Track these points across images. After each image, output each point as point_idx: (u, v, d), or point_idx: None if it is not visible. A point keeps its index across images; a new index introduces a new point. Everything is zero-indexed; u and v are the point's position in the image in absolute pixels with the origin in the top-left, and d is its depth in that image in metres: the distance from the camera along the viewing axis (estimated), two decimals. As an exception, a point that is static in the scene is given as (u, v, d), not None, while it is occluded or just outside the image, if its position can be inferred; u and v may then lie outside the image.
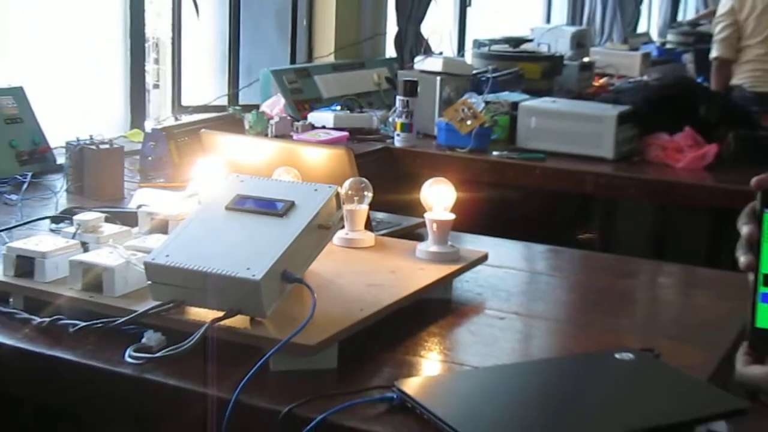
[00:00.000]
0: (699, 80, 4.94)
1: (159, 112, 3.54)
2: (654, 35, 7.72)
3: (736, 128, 3.33)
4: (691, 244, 4.19)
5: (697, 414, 1.27)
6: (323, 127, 3.33)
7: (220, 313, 1.38)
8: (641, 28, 7.75)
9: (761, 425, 1.06)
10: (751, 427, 1.04)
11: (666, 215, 4.80)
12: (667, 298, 1.97)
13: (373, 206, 1.82)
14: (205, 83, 3.81)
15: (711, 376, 1.42)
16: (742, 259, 1.07)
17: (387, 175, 2.98)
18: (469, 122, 3.25)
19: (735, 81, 4.95)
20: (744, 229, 1.07)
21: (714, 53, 4.99)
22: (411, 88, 3.29)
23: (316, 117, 3.41)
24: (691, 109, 3.41)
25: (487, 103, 3.42)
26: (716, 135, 3.28)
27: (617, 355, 1.40)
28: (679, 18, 8.37)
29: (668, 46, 6.70)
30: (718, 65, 4.97)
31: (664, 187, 3.11)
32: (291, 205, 1.49)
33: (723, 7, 4.98)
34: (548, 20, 6.72)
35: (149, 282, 1.43)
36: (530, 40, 5.00)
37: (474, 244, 1.95)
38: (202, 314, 1.39)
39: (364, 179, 1.79)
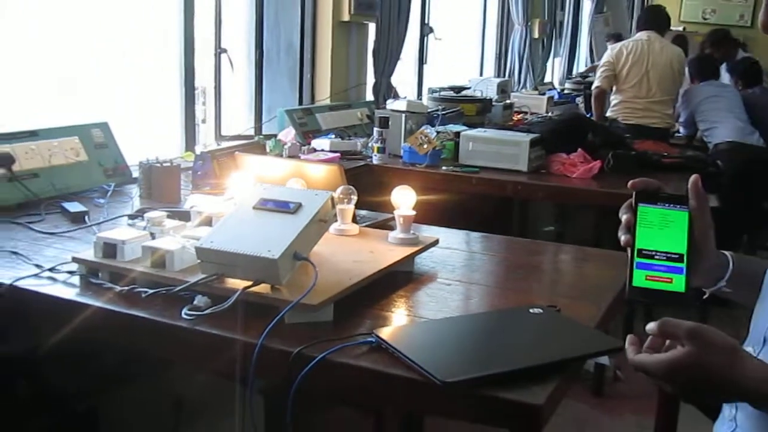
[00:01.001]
0: (588, 115, 4.95)
1: (205, 139, 3.50)
2: (556, 83, 7.71)
3: (614, 149, 3.35)
4: (582, 231, 4.22)
5: (587, 351, 1.28)
6: (322, 150, 3.32)
7: (249, 283, 1.37)
8: (547, 79, 7.74)
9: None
10: (626, 360, 1.04)
11: (564, 211, 4.84)
12: (566, 269, 1.97)
13: (357, 206, 1.82)
14: (238, 119, 3.79)
15: (597, 324, 1.42)
16: (623, 238, 1.10)
17: (367, 183, 2.97)
18: (425, 146, 3.25)
19: (613, 115, 4.96)
20: (624, 217, 1.11)
21: (596, 83, 4.97)
22: (384, 122, 3.29)
23: (317, 143, 3.39)
24: (582, 136, 3.42)
25: (438, 132, 3.42)
26: (600, 154, 3.29)
27: (530, 310, 1.41)
28: (574, 71, 8.37)
29: (566, 91, 6.69)
30: (598, 92, 4.93)
31: (563, 191, 3.12)
32: (299, 206, 1.48)
33: (605, 58, 4.99)
34: (481, 73, 6.71)
35: (199, 260, 1.42)
36: (468, 88, 4.98)
37: (429, 232, 1.95)
38: (237, 283, 1.39)
39: (351, 187, 1.79)
